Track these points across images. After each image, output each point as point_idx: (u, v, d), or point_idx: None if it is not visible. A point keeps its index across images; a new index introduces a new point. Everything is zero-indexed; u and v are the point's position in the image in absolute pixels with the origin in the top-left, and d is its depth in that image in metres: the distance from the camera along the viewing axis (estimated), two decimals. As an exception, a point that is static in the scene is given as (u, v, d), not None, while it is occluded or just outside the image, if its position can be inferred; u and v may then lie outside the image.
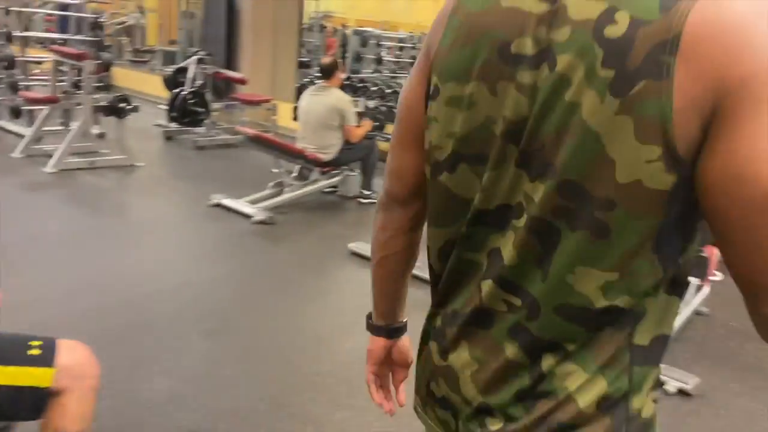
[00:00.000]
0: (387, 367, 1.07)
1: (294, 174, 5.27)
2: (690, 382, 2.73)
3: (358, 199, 5.41)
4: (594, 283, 0.69)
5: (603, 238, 0.67)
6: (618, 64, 0.62)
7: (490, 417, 0.79)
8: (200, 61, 7.13)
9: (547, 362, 0.74)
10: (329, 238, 4.47)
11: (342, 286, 3.73)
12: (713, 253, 3.52)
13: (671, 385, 2.73)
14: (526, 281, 0.74)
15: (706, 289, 3.61)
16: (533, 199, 0.71)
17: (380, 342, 1.04)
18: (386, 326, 1.04)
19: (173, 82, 7.20)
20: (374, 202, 5.20)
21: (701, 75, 0.59)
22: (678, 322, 3.26)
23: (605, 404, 0.73)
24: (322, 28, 11.77)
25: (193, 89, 6.90)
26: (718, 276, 4.35)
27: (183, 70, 7.17)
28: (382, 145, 6.94)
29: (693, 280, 3.31)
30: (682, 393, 2.73)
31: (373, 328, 1.05)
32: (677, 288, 0.74)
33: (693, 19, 0.59)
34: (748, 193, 0.60)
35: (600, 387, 0.73)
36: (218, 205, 4.76)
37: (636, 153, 0.63)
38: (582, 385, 0.73)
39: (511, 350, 0.76)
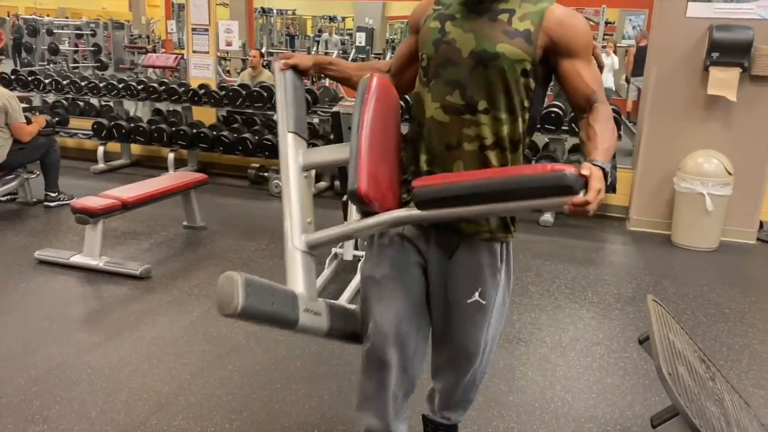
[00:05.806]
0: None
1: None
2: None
3: (44, 203, 4.90)
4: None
5: None
6: None
7: None
8: None
9: None
10: (12, 250, 3.99)
11: (27, 299, 3.36)
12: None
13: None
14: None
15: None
16: None
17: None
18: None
19: None
20: (64, 204, 4.70)
21: None
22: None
23: None
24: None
25: None
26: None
27: None
28: (68, 142, 6.34)
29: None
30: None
31: None
32: None
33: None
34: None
35: None
36: None
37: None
38: None
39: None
